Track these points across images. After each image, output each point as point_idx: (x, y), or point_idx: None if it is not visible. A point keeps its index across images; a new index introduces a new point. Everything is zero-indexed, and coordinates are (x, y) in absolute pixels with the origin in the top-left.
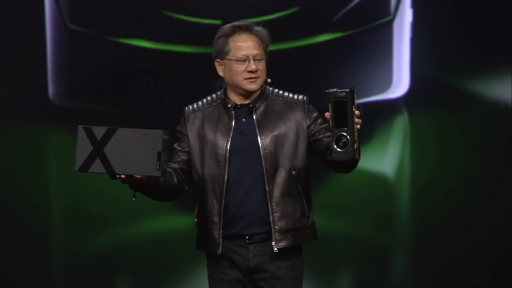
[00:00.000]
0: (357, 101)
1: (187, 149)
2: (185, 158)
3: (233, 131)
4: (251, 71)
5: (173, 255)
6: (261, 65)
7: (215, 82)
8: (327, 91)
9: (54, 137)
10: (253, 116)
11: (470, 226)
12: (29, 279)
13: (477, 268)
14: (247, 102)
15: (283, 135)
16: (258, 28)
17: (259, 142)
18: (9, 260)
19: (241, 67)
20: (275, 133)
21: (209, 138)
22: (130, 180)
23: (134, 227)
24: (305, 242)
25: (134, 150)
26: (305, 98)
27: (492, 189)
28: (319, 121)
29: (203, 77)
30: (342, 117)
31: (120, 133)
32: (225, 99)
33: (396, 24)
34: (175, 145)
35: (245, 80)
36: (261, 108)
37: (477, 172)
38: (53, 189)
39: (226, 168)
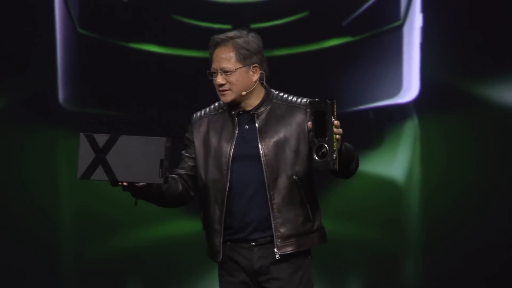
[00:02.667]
0: (367, 106)
1: (193, 156)
2: (192, 164)
3: (236, 138)
4: (217, 85)
5: (183, 259)
6: (232, 77)
7: None
8: (308, 101)
9: (64, 141)
10: (255, 122)
11: (480, 231)
12: (39, 282)
13: (487, 273)
14: (249, 109)
15: (284, 140)
16: (238, 39)
17: (260, 149)
18: (20, 263)
19: (214, 80)
20: (276, 139)
21: (213, 145)
22: (131, 187)
23: (144, 231)
24: (311, 246)
25: (137, 157)
26: (307, 102)
27: (502, 193)
28: None
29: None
30: (322, 127)
31: (122, 141)
32: (230, 107)
33: (406, 29)
34: (183, 151)
35: (219, 93)
36: (264, 114)
37: (487, 176)
38: (63, 193)
39: (229, 175)
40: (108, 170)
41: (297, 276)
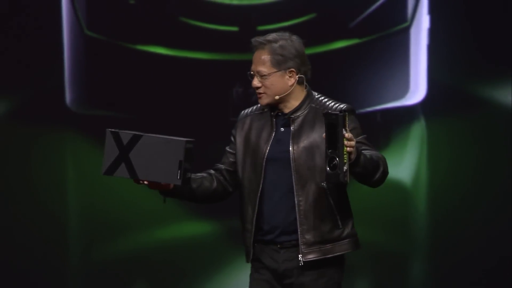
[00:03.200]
0: (374, 108)
1: (234, 152)
2: (232, 160)
3: (272, 140)
4: (254, 87)
5: (190, 261)
6: (267, 81)
7: (232, 89)
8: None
9: (71, 143)
10: (290, 126)
11: (487, 232)
12: (46, 284)
13: (494, 273)
14: (287, 111)
15: (315, 146)
16: (275, 43)
17: (291, 153)
18: (27, 265)
19: (251, 82)
20: (307, 144)
21: (252, 144)
22: (155, 186)
23: (150, 233)
24: (338, 253)
25: (158, 157)
26: (344, 107)
27: (509, 194)
28: (355, 132)
29: (220, 84)
30: (334, 139)
31: (145, 140)
32: (271, 107)
33: (413, 31)
34: (227, 147)
35: (256, 95)
36: (300, 118)
37: (494, 178)
38: (71, 194)
39: (262, 176)
40: (130, 167)
41: (320, 283)
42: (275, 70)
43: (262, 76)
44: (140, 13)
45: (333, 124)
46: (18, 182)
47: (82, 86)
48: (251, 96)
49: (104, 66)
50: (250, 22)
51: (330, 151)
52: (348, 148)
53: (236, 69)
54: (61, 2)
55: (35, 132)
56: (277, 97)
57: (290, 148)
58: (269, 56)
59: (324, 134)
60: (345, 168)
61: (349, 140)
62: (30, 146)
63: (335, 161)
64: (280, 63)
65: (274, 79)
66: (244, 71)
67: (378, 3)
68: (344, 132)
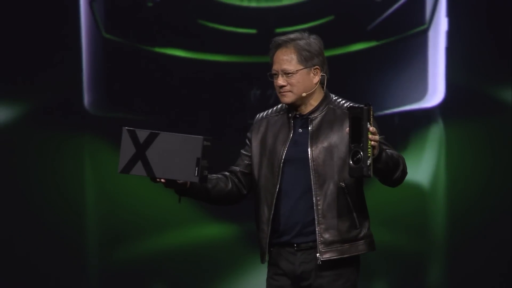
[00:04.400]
0: (392, 110)
1: (250, 154)
2: (247, 162)
3: (289, 141)
4: (278, 86)
5: (207, 263)
6: (293, 79)
7: (250, 91)
8: (348, 105)
9: (89, 146)
10: (308, 126)
11: (506, 235)
12: (65, 285)
13: None
14: (306, 112)
15: (334, 146)
16: (300, 41)
17: (309, 153)
18: (46, 266)
19: (275, 82)
20: (326, 144)
21: (269, 146)
22: (172, 184)
23: (168, 235)
24: (355, 253)
25: (175, 155)
26: (347, 107)
27: None
28: None
29: (238, 86)
30: (358, 133)
31: (162, 137)
32: (288, 109)
33: (431, 33)
34: (242, 150)
35: (279, 94)
36: (318, 119)
37: None
38: (89, 197)
39: (279, 177)
40: (147, 165)
41: (338, 284)
42: (302, 67)
43: (287, 74)
44: (158, 15)
45: (357, 118)
46: (37, 184)
47: (100, 88)
48: (269, 98)
49: (122, 68)
50: (268, 24)
51: (353, 145)
52: (372, 142)
53: (254, 71)
54: (79, 5)
55: (54, 135)
56: (304, 94)
57: (309, 148)
58: (295, 53)
59: (348, 128)
60: (368, 162)
61: (373, 134)
62: (48, 149)
63: (359, 155)
64: (307, 60)
65: (301, 77)
66: (262, 74)
67: (396, 6)
68: (369, 125)
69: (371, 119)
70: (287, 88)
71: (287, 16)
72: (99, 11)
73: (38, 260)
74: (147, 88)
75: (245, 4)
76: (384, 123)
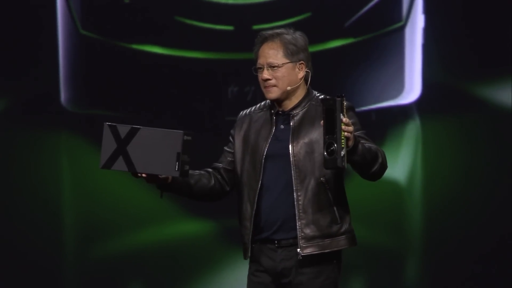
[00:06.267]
0: (369, 107)
1: (233, 151)
2: (230, 159)
3: (271, 137)
4: (263, 80)
5: (186, 261)
6: (279, 73)
7: (227, 88)
8: (321, 98)
9: (66, 142)
10: (290, 123)
11: (483, 232)
12: (41, 284)
13: (491, 274)
14: (288, 108)
15: (315, 142)
16: (286, 35)
17: (290, 149)
18: (22, 264)
19: (259, 76)
20: (307, 140)
21: (251, 142)
22: (153, 179)
23: (147, 232)
24: (336, 248)
25: (155, 149)
26: (320, 99)
27: (505, 195)
28: (354, 128)
29: (216, 83)
30: (332, 125)
31: (142, 132)
32: (271, 106)
33: (408, 30)
34: (225, 146)
35: (264, 89)
36: (299, 115)
37: (489, 178)
38: (66, 194)
39: (261, 174)
40: (128, 161)
41: (318, 282)
42: (287, 61)
43: (273, 67)
44: (135, 12)
45: (330, 109)
46: (13, 181)
47: (77, 85)
48: (247, 95)
49: (99, 65)
50: (245, 21)
51: (328, 136)
52: (345, 133)
53: (231, 68)
54: (56, 1)
55: (30, 132)
56: (289, 88)
57: (290, 144)
58: (281, 47)
59: (322, 120)
60: (342, 153)
61: (346, 125)
62: (25, 146)
63: (333, 147)
64: (293, 54)
65: (286, 71)
66: (239, 70)
67: (373, 3)
68: (342, 117)
69: (344, 110)
70: (272, 82)
71: (264, 13)
72: (75, 8)
73: (14, 258)
74: (124, 85)
75: (223, 1)
76: (361, 120)
